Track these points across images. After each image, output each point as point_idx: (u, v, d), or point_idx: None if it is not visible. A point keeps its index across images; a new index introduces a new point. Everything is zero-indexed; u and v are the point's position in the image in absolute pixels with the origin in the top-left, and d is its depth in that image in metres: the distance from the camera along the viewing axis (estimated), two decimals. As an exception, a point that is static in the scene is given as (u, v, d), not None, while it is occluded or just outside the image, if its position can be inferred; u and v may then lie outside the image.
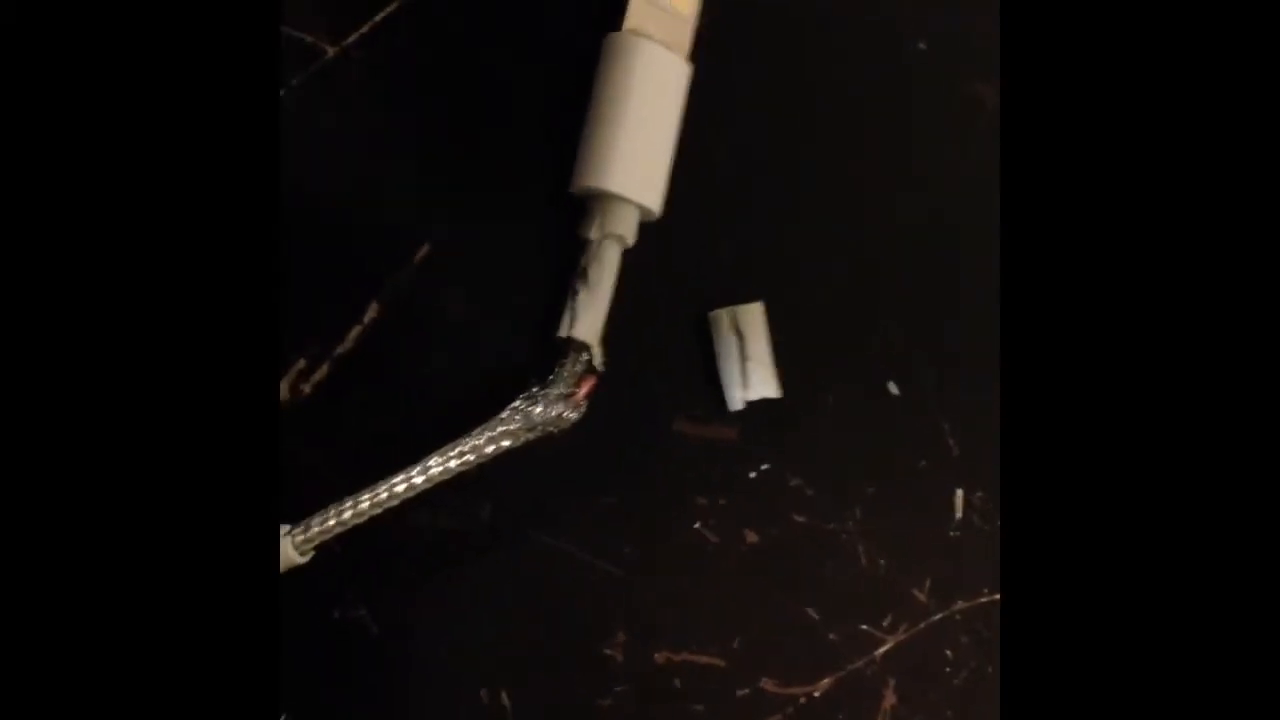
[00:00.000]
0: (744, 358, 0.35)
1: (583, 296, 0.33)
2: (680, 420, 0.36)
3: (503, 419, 0.33)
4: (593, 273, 0.33)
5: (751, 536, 0.36)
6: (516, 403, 0.33)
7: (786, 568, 0.36)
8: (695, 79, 0.35)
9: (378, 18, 0.36)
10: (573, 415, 0.33)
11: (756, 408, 0.35)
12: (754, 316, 0.35)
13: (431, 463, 0.33)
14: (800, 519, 0.36)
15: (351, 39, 0.36)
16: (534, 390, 0.33)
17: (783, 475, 0.36)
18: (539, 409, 0.32)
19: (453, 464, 0.32)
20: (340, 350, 0.35)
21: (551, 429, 0.33)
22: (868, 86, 0.37)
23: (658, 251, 0.35)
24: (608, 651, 0.35)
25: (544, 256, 0.35)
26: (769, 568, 0.36)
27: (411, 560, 0.35)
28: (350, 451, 0.34)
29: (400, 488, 0.32)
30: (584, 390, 0.33)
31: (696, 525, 0.35)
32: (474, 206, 0.35)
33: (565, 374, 0.33)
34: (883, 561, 0.36)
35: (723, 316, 0.35)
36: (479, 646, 0.34)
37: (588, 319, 0.34)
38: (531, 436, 0.33)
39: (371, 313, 0.35)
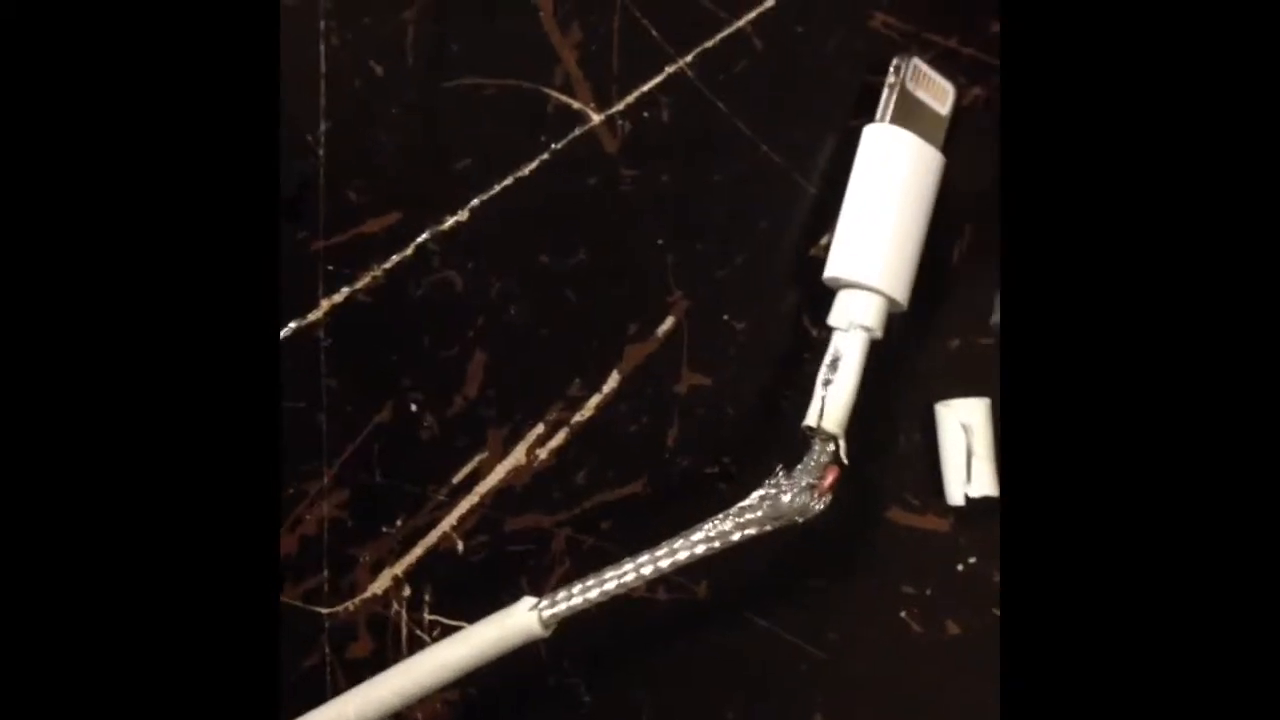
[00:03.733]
0: (969, 454, 0.35)
1: (833, 387, 0.33)
2: (894, 509, 0.36)
3: (750, 505, 0.32)
4: (843, 364, 0.33)
5: (954, 628, 0.36)
6: (763, 490, 0.33)
7: (986, 661, 0.35)
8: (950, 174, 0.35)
9: (644, 88, 0.36)
10: (818, 506, 0.33)
11: (970, 502, 0.35)
12: (981, 413, 0.35)
13: (677, 544, 0.32)
14: (999, 613, 0.35)
15: (616, 108, 0.35)
16: (779, 479, 0.33)
17: (988, 571, 0.36)
18: (787, 498, 0.32)
19: (699, 549, 0.32)
20: (578, 418, 0.34)
21: (796, 519, 0.33)
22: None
23: (884, 339, 0.35)
24: (807, 733, 0.34)
25: (779, 341, 0.36)
26: (969, 660, 0.35)
27: (627, 630, 0.35)
28: (582, 520, 0.35)
29: (646, 569, 0.32)
30: (829, 481, 0.33)
31: (902, 613, 0.35)
32: (719, 284, 0.36)
33: (813, 464, 0.33)
34: None
35: (950, 411, 0.35)
36: (685, 719, 0.34)
37: (835, 410, 0.33)
38: (776, 525, 0.33)
39: (612, 382, 0.34)
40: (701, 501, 0.33)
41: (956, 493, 0.35)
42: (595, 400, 0.35)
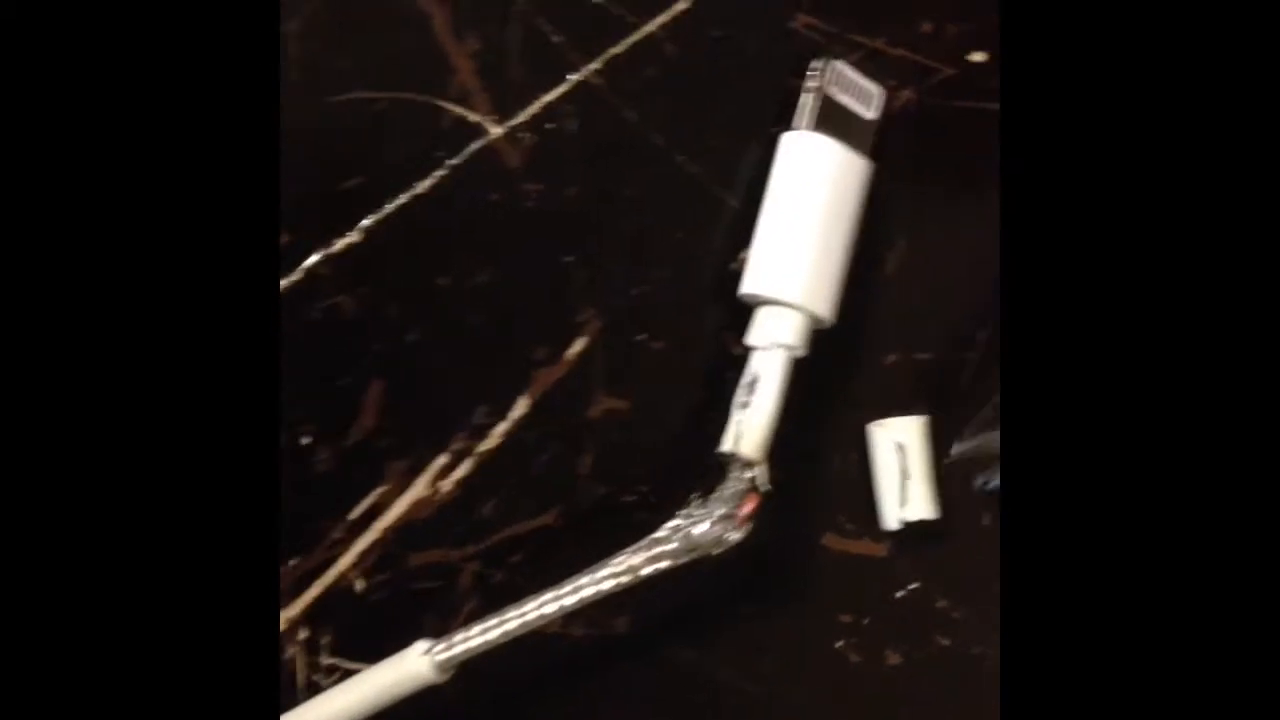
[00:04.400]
0: (904, 475, 0.33)
1: (750, 410, 0.31)
2: (829, 535, 0.34)
3: (661, 538, 0.31)
4: (761, 385, 0.31)
5: (894, 657, 0.34)
6: (676, 521, 0.31)
7: (928, 691, 0.34)
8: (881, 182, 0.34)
9: (547, 99, 0.34)
10: (734, 536, 0.31)
11: (908, 525, 0.33)
12: (916, 432, 0.33)
13: (583, 581, 0.31)
14: (945, 642, 0.34)
15: (517, 120, 0.33)
16: (693, 509, 0.31)
17: (931, 596, 0.34)
18: (700, 529, 0.31)
19: (606, 585, 0.31)
20: (484, 447, 0.33)
21: (711, 551, 0.31)
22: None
23: (813, 356, 0.33)
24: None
25: (700, 360, 0.34)
26: (910, 690, 0.34)
27: (540, 668, 0.33)
28: (491, 554, 0.33)
29: (550, 608, 0.31)
30: (746, 510, 0.31)
31: (839, 643, 0.34)
32: (632, 302, 0.34)
33: (728, 492, 0.31)
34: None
35: (884, 431, 0.33)
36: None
37: (753, 434, 0.32)
38: (690, 558, 0.31)
39: (519, 409, 0.33)
40: (619, 533, 0.31)
41: (891, 517, 0.34)
42: (502, 428, 0.33)
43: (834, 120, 0.33)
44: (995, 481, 0.33)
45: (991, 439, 0.33)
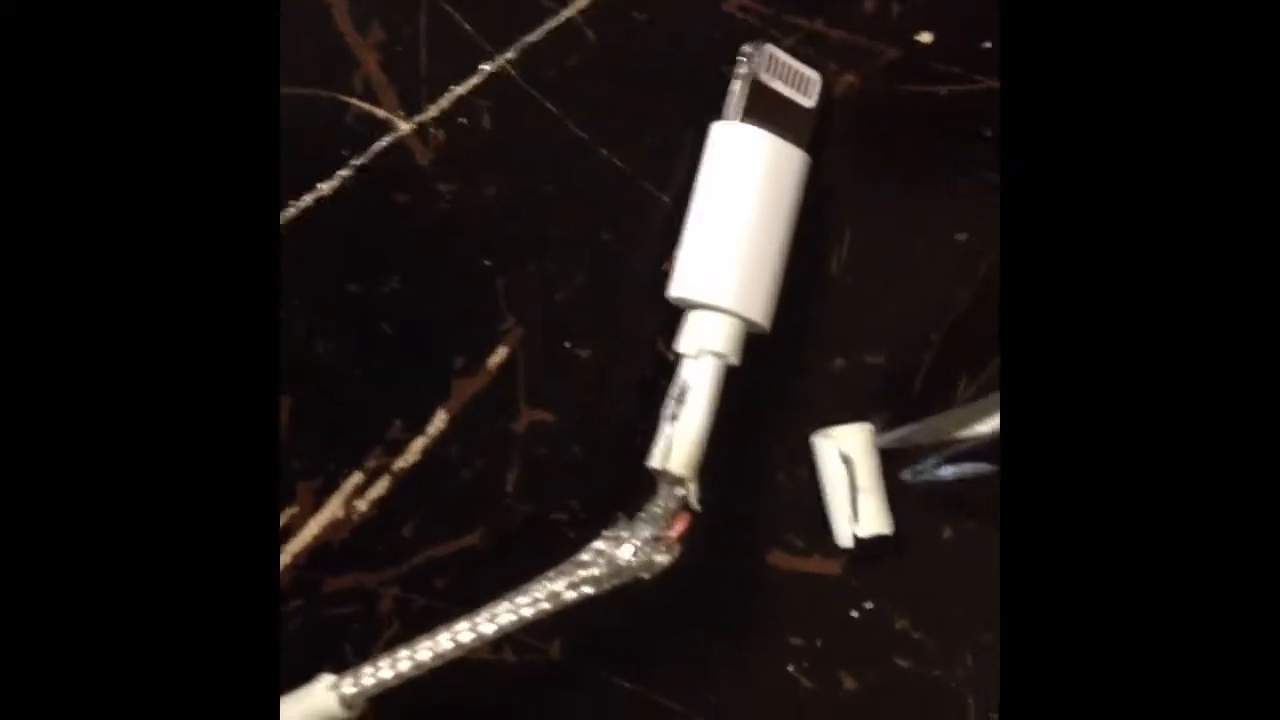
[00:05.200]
0: (853, 488, 0.31)
1: (680, 423, 0.29)
2: (776, 552, 0.32)
3: (583, 561, 0.29)
4: (692, 396, 0.29)
5: (850, 682, 0.32)
6: (599, 543, 0.29)
7: (887, 717, 0.33)
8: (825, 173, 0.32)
9: (458, 92, 0.32)
10: (663, 559, 0.29)
11: (863, 541, 0.32)
12: (862, 440, 0.32)
13: (500, 609, 0.29)
14: (904, 664, 0.33)
15: (427, 115, 0.32)
16: (619, 530, 0.29)
17: (888, 616, 0.33)
18: (625, 552, 0.29)
19: (526, 612, 0.29)
20: (401, 464, 0.31)
21: (640, 575, 0.29)
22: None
23: (754, 364, 0.31)
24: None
25: (632, 368, 0.32)
26: (868, 716, 0.32)
27: (469, 696, 0.32)
28: (412, 578, 0.31)
29: (465, 637, 0.29)
30: (677, 531, 0.30)
31: (790, 668, 0.32)
32: (557, 307, 0.32)
33: (657, 511, 0.29)
34: (994, 716, 0.33)
35: (828, 442, 0.32)
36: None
37: (684, 448, 0.30)
38: (617, 583, 0.29)
39: (438, 423, 0.32)
40: (548, 552, 0.30)
41: (844, 533, 0.32)
42: (420, 443, 0.32)
43: (767, 109, 0.31)
44: (931, 473, 0.32)
45: (919, 430, 0.31)
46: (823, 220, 0.33)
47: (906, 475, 0.32)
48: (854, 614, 0.33)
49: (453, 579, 0.32)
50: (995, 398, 0.29)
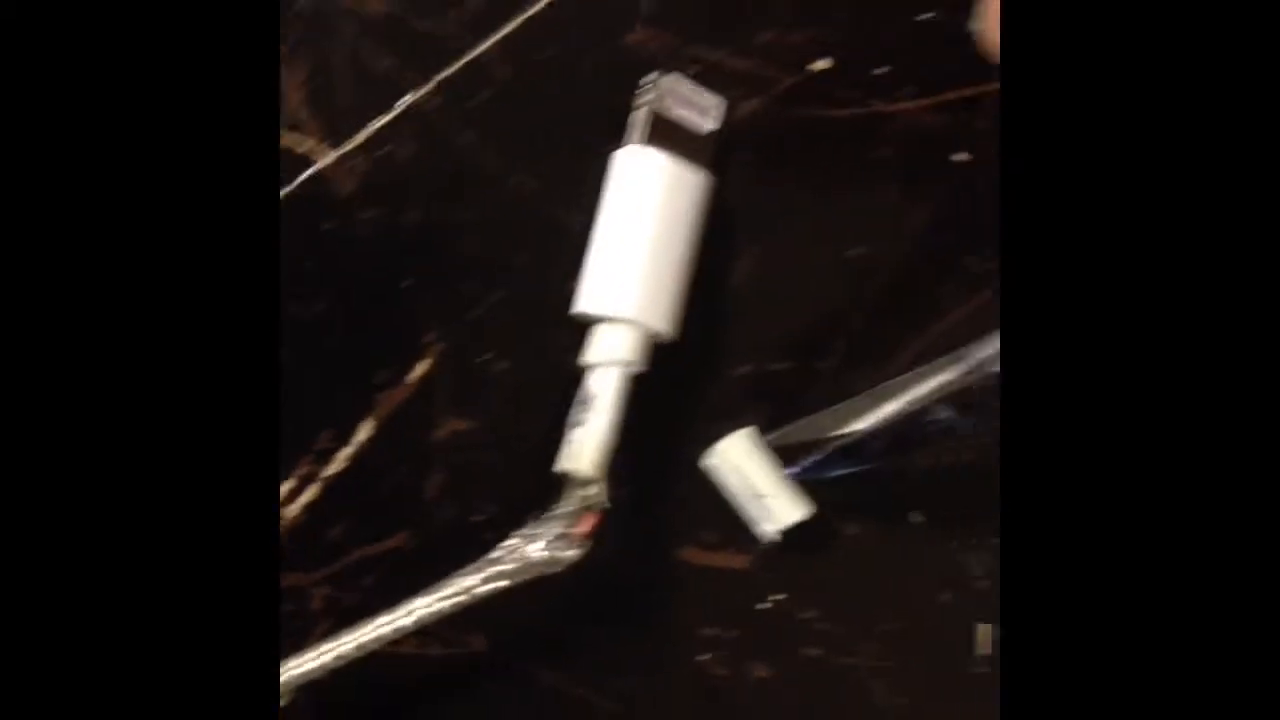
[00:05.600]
0: (756, 494, 0.33)
1: (585, 428, 0.31)
2: (688, 549, 0.34)
3: (496, 558, 0.31)
4: (597, 402, 0.31)
5: (760, 670, 0.34)
6: (512, 540, 0.31)
7: (796, 704, 0.34)
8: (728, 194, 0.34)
9: (377, 124, 0.34)
10: (571, 555, 0.31)
11: (787, 531, 0.33)
12: (744, 448, 0.33)
13: (418, 604, 0.31)
14: (812, 653, 0.34)
15: (349, 146, 0.34)
16: (530, 528, 0.31)
17: (795, 607, 0.34)
18: (535, 548, 0.31)
19: (443, 605, 0.31)
20: (330, 472, 0.33)
21: (549, 569, 0.31)
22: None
23: (667, 371, 0.33)
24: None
25: (547, 378, 0.34)
26: (778, 704, 0.34)
27: (395, 690, 0.33)
28: (335, 579, 0.33)
29: (386, 629, 0.31)
30: (585, 528, 0.31)
31: (702, 658, 0.34)
32: (474, 323, 0.34)
33: (564, 511, 0.31)
34: (899, 700, 0.34)
35: (718, 459, 0.33)
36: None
37: (590, 451, 0.32)
38: (528, 577, 0.31)
39: (364, 432, 0.33)
40: (468, 552, 0.32)
41: (766, 531, 0.34)
42: (347, 451, 0.34)
43: (668, 135, 0.33)
44: (814, 470, 0.33)
45: (800, 428, 0.33)
46: (728, 237, 0.34)
47: (792, 471, 0.33)
48: (763, 606, 0.34)
49: (380, 578, 0.34)
50: (867, 396, 0.31)
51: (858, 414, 0.31)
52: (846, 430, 0.32)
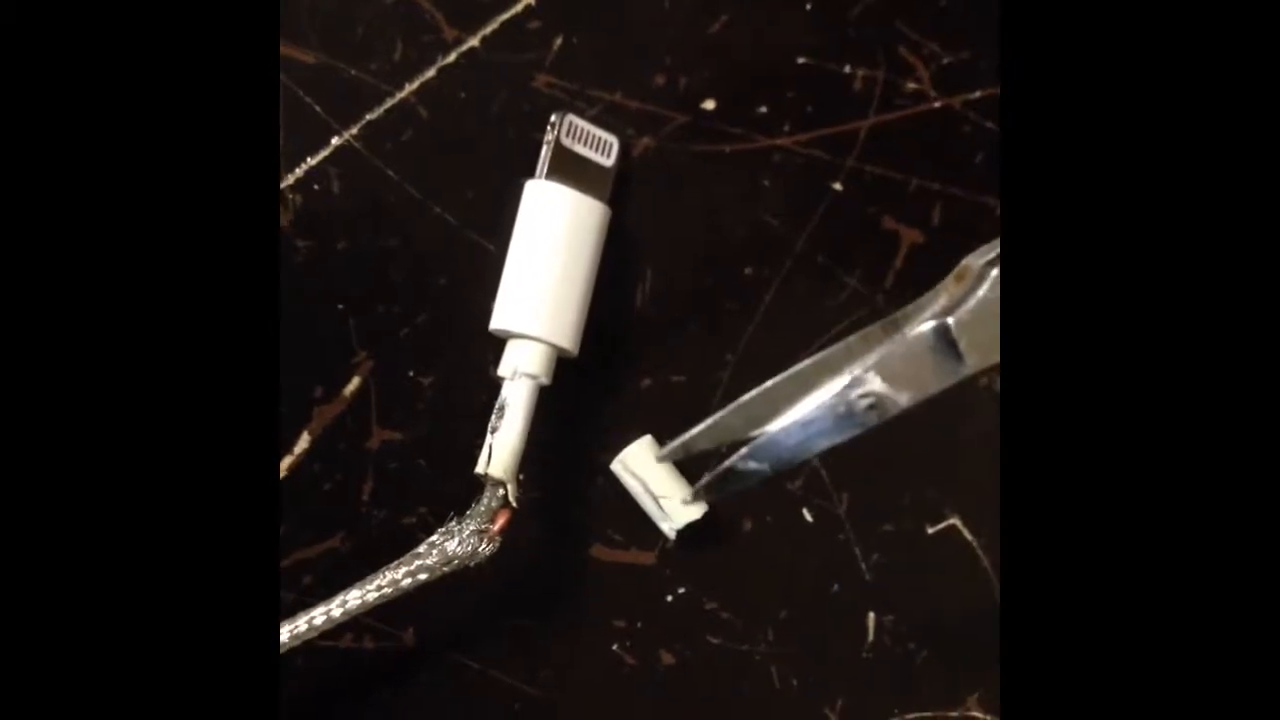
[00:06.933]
0: (653, 497, 0.36)
1: (500, 435, 0.34)
2: (598, 546, 0.37)
3: (419, 553, 0.34)
4: (509, 412, 0.34)
5: (668, 658, 0.36)
6: (434, 537, 0.34)
7: (702, 688, 0.37)
8: (628, 223, 0.37)
9: (311, 162, 0.37)
10: (487, 550, 0.34)
11: (674, 534, 0.36)
12: (641, 456, 0.36)
13: (350, 596, 0.33)
14: (715, 641, 0.37)
15: (286, 183, 0.37)
16: (450, 525, 0.34)
17: (699, 598, 0.37)
18: (454, 544, 0.33)
19: (370, 597, 0.33)
20: (269, 480, 0.35)
21: (467, 564, 0.34)
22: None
23: (576, 384, 0.36)
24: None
25: (467, 391, 0.37)
26: (685, 688, 0.36)
27: (333, 681, 0.36)
28: (283, 576, 0.36)
29: (319, 620, 0.33)
30: (499, 525, 0.34)
31: (614, 647, 0.36)
32: (402, 342, 0.37)
33: (480, 509, 0.34)
34: (795, 682, 0.37)
35: (620, 466, 0.36)
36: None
37: (503, 455, 0.34)
38: (448, 570, 0.34)
39: (303, 443, 0.36)
40: (400, 552, 0.34)
41: (667, 529, 0.36)
42: (287, 461, 0.36)
43: (571, 168, 0.36)
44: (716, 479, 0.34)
45: (698, 436, 0.34)
46: (628, 261, 0.37)
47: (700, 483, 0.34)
48: (669, 598, 0.37)
49: (318, 577, 0.36)
50: (749, 399, 0.33)
51: (752, 423, 0.33)
52: (741, 437, 0.33)
